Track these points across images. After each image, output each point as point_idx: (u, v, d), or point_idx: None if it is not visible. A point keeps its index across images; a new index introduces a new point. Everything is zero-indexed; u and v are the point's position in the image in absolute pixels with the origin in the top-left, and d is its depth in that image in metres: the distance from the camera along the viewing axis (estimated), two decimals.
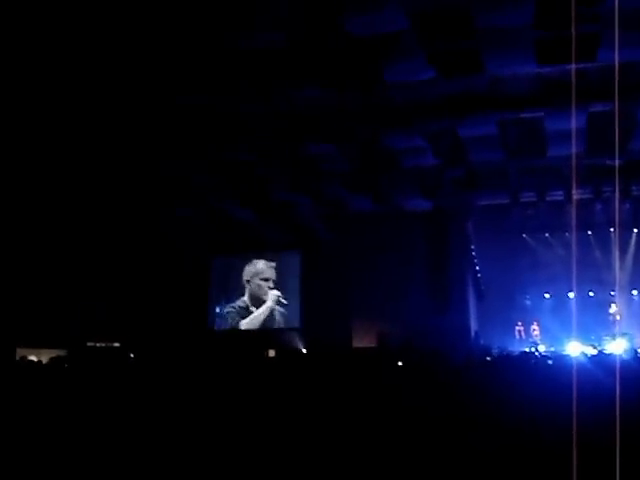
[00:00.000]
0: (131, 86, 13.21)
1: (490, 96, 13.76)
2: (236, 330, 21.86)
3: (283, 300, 21.53)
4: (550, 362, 11.77)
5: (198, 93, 13.61)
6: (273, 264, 22.01)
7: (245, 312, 21.98)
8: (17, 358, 13.52)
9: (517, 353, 15.91)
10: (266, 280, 21.99)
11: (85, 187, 16.87)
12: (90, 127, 14.52)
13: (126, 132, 14.96)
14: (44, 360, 11.70)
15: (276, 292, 21.75)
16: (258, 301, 21.96)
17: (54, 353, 13.50)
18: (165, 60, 12.27)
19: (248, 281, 22.19)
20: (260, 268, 22.13)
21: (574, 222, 19.75)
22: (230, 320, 22.07)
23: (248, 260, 22.19)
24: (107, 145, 15.36)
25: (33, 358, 12.87)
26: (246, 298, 22.12)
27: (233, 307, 22.16)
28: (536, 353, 17.41)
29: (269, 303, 21.78)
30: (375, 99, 13.97)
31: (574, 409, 5.06)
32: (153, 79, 12.98)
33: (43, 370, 9.71)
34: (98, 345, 16.67)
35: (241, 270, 22.25)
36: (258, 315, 21.81)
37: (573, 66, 10.70)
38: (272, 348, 18.31)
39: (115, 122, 14.47)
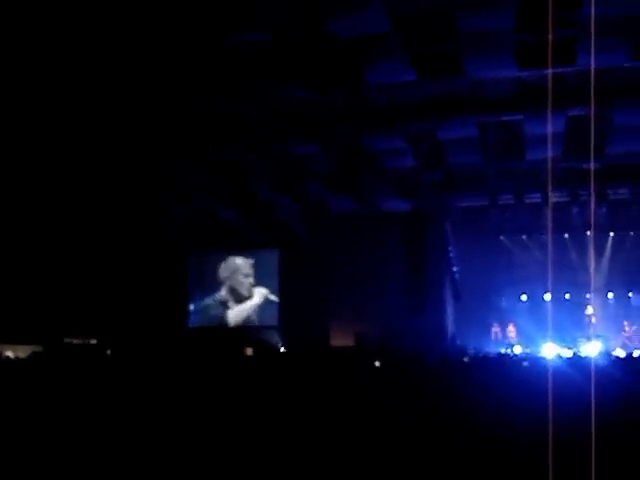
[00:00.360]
0: (116, 83, 13.19)
1: (470, 99, 13.85)
2: (213, 328, 21.83)
3: (272, 297, 21.53)
4: (525, 364, 11.88)
5: (182, 93, 13.60)
6: (251, 261, 22.01)
7: (223, 307, 21.98)
8: None
9: (493, 354, 16.05)
10: (247, 276, 21.99)
11: (63, 185, 16.79)
12: (74, 125, 14.47)
13: (111, 130, 14.92)
14: (21, 356, 11.66)
15: (263, 289, 21.75)
16: (240, 297, 21.95)
17: (30, 349, 13.43)
18: (149, 58, 12.26)
19: (227, 277, 22.17)
20: (239, 264, 22.11)
21: (551, 224, 19.92)
22: (210, 313, 22.07)
23: (225, 258, 22.17)
24: (89, 143, 15.31)
25: (9, 354, 12.82)
26: (224, 293, 22.10)
27: (212, 300, 22.14)
28: (512, 355, 17.57)
29: (256, 299, 21.77)
30: (357, 100, 14.03)
31: (549, 411, 5.13)
32: (138, 77, 12.98)
33: (21, 366, 9.68)
34: (75, 342, 16.59)
35: (218, 267, 22.25)
36: (243, 310, 21.80)
37: (552, 70, 10.80)
38: (250, 346, 18.32)
39: (101, 121, 14.43)
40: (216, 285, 22.18)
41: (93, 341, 17.42)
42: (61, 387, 7.26)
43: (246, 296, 21.93)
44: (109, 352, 14.44)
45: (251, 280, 21.94)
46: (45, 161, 15.77)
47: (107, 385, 7.59)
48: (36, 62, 12.19)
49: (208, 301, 22.19)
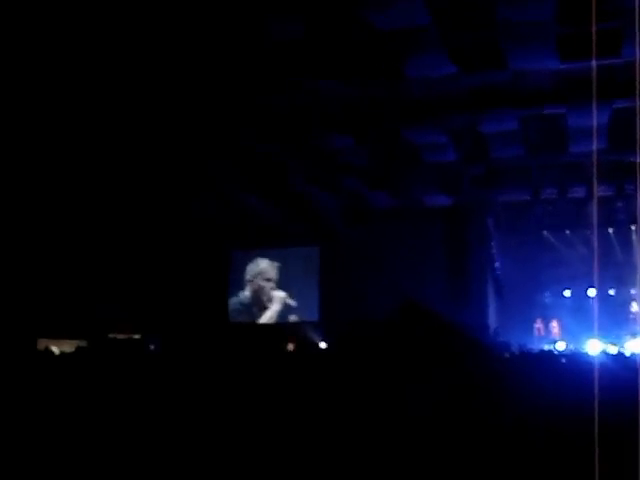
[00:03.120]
0: (150, 79, 13.28)
1: (512, 92, 13.71)
2: (254, 323, 21.93)
3: (290, 301, 21.55)
4: (563, 360, 11.71)
5: (219, 87, 13.65)
6: (277, 264, 22.02)
7: (247, 310, 22.10)
8: (40, 348, 13.63)
9: (535, 350, 15.87)
10: (268, 280, 22.02)
11: (109, 179, 16.97)
12: (112, 118, 14.61)
13: (146, 125, 15.04)
14: (66, 351, 11.81)
15: (281, 293, 21.78)
16: (260, 302, 22.03)
17: (75, 344, 13.59)
18: (184, 52, 12.32)
19: (250, 281, 22.28)
20: (263, 268, 22.16)
21: (595, 219, 19.64)
22: (244, 311, 22.20)
23: (268, 254, 22.23)
24: (130, 138, 15.45)
25: (54, 349, 12.98)
26: (247, 293, 22.21)
27: (239, 302, 22.26)
28: (555, 351, 17.37)
29: (275, 306, 21.82)
30: (396, 94, 13.97)
31: (595, 408, 5.05)
32: (173, 71, 13.05)
33: (66, 360, 9.79)
34: (119, 337, 16.75)
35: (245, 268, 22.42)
36: (269, 318, 21.88)
37: (595, 62, 10.64)
38: (290, 342, 18.35)
39: (135, 115, 14.55)
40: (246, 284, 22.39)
41: (136, 336, 17.56)
42: (106, 381, 7.33)
43: (265, 300, 21.98)
44: (152, 347, 14.56)
45: (272, 284, 21.95)
46: (88, 155, 15.96)
47: (150, 380, 7.64)
48: (64, 59, 12.32)
49: (235, 302, 22.31)
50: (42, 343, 14.57)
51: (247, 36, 11.74)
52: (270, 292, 21.99)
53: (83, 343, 13.83)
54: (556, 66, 12.56)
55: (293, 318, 21.66)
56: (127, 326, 17.96)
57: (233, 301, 22.38)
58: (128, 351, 12.61)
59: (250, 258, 22.50)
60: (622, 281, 20.52)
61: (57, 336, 15.99)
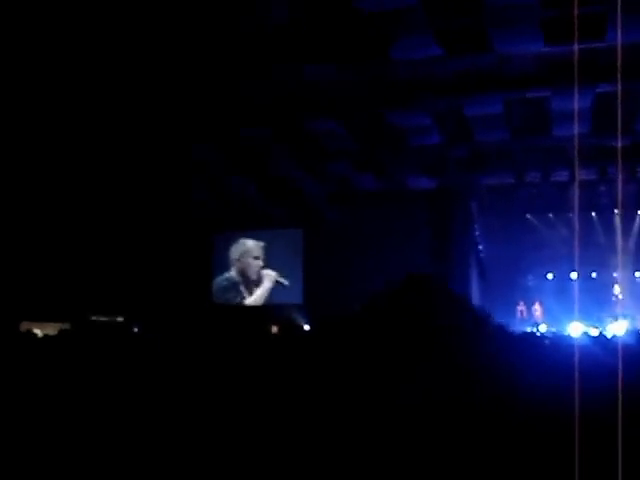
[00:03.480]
0: (135, 68, 13.22)
1: (496, 75, 13.72)
2: (238, 305, 21.95)
3: (281, 279, 21.57)
4: (549, 342, 11.80)
5: (202, 73, 13.59)
6: (262, 243, 22.02)
7: (235, 287, 22.09)
8: (22, 331, 13.59)
9: (517, 333, 15.95)
10: (256, 258, 22.02)
11: (90, 165, 16.89)
12: (102, 110, 14.56)
13: (136, 114, 14.98)
14: (49, 333, 11.77)
15: (271, 272, 21.79)
16: (248, 280, 22.04)
17: (57, 327, 13.55)
18: (169, 41, 12.26)
19: (236, 259, 22.27)
20: (249, 246, 22.15)
21: (578, 203, 19.74)
22: (228, 292, 22.20)
23: (252, 236, 22.21)
24: (112, 124, 15.38)
25: (37, 331, 12.94)
26: (234, 273, 22.21)
27: (225, 280, 22.25)
28: (537, 333, 17.48)
29: (267, 284, 21.83)
30: (382, 76, 13.95)
31: (575, 390, 5.10)
32: (155, 58, 12.98)
33: (49, 343, 9.77)
34: (102, 319, 16.74)
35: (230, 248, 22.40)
36: (259, 296, 21.89)
37: (579, 46, 10.67)
38: (274, 324, 18.37)
39: (125, 105, 14.50)
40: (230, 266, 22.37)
41: (119, 319, 17.56)
42: (89, 364, 7.32)
43: (254, 279, 21.98)
44: (136, 329, 14.55)
45: (260, 262, 21.95)
46: (73, 144, 15.88)
47: (134, 362, 7.63)
48: (57, 52, 12.28)
49: (221, 280, 22.31)
50: (24, 326, 14.52)
51: (232, 21, 11.69)
52: (260, 270, 21.97)
53: (66, 326, 13.79)
54: (540, 49, 12.58)
55: (279, 299, 21.69)
56: (110, 309, 17.94)
57: (219, 280, 22.37)
58: (111, 333, 12.59)
59: (234, 240, 22.48)
60: (604, 264, 20.66)
61: (40, 319, 15.94)
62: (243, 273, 22.21)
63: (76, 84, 13.57)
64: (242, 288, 22.13)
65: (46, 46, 12.21)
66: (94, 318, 16.48)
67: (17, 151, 15.69)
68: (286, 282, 21.46)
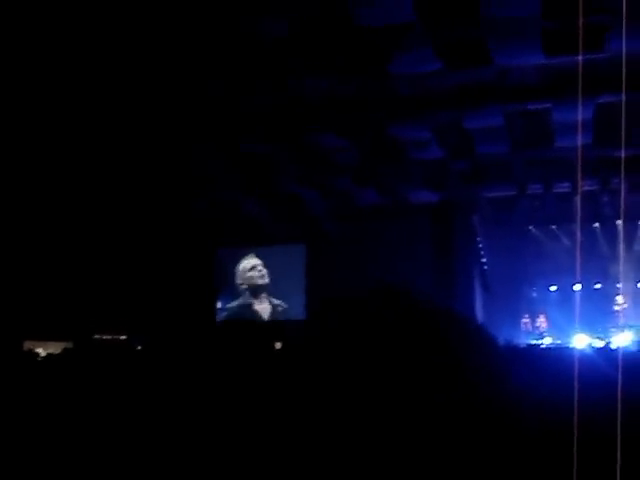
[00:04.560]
0: (134, 79, 13.22)
1: (497, 87, 13.72)
2: (242, 322, 21.85)
3: (275, 301, 21.53)
4: (553, 354, 11.75)
5: (202, 85, 13.59)
6: (264, 260, 21.98)
7: (247, 310, 22.00)
8: (24, 350, 13.53)
9: (522, 345, 15.88)
10: (262, 277, 21.97)
11: (90, 180, 16.88)
12: (100, 118, 14.54)
13: (131, 124, 14.96)
14: (52, 352, 11.70)
15: (270, 299, 21.79)
16: (257, 291, 22.02)
17: (60, 346, 13.49)
18: (170, 51, 12.26)
19: (241, 283, 22.23)
20: (251, 263, 22.09)
21: (580, 214, 19.70)
22: (236, 313, 22.10)
23: (252, 252, 22.16)
24: (114, 137, 15.37)
25: (40, 350, 12.88)
26: (247, 295, 22.16)
27: (237, 305, 22.16)
28: (542, 345, 17.41)
29: (266, 303, 21.80)
30: (381, 90, 13.95)
31: (575, 401, 5.05)
32: (156, 71, 12.98)
33: (52, 363, 9.69)
34: (105, 337, 16.66)
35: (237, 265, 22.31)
36: (263, 311, 21.83)
37: (581, 57, 10.66)
38: (278, 340, 18.30)
39: (120, 113, 14.47)
40: (236, 286, 22.28)
41: (122, 337, 17.49)
42: (93, 382, 7.27)
43: (256, 301, 21.94)
44: (139, 348, 14.50)
45: (266, 280, 21.90)
46: (74, 159, 15.87)
47: (137, 380, 7.57)
48: (58, 52, 12.26)
49: (234, 302, 22.23)
50: (27, 345, 14.47)
51: (231, 35, 11.69)
52: (261, 292, 21.95)
53: (69, 345, 13.72)
54: (541, 61, 12.58)
55: (282, 316, 21.61)
56: (112, 327, 17.89)
57: (232, 306, 22.31)
58: (115, 352, 12.50)
59: (236, 256, 22.42)
60: (608, 275, 20.59)
61: (42, 338, 15.88)
62: (253, 292, 22.15)
63: (74, 95, 13.56)
64: (255, 308, 22.08)
65: (47, 48, 12.20)
66: (97, 336, 16.42)
67: (15, 166, 15.67)
68: (284, 305, 21.41)
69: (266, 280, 21.92)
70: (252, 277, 22.11)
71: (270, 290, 21.92)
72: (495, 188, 19.32)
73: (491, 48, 12.08)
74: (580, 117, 13.45)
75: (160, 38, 11.75)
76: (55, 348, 13.24)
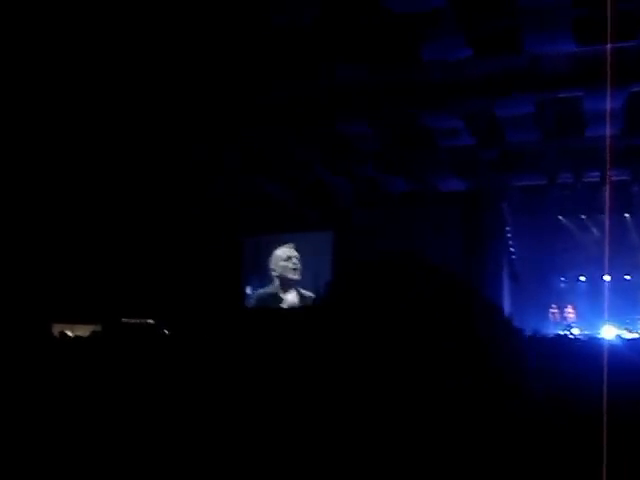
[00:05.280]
0: (161, 69, 13.28)
1: (528, 76, 13.62)
2: (270, 309, 21.91)
3: (303, 291, 21.48)
4: (581, 344, 11.69)
5: (233, 71, 13.61)
6: (293, 246, 21.93)
7: (274, 299, 22.02)
8: (54, 333, 13.72)
9: (550, 336, 15.81)
10: (294, 267, 21.93)
11: (120, 165, 17.02)
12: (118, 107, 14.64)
13: (157, 112, 15.04)
14: (80, 335, 11.86)
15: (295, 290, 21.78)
16: (287, 284, 21.99)
17: (89, 329, 13.66)
18: (195, 39, 12.30)
19: (274, 269, 22.22)
20: (287, 253, 22.07)
21: (610, 204, 19.51)
22: (265, 301, 22.15)
23: (279, 241, 22.17)
24: (141, 124, 15.46)
25: (69, 333, 13.06)
26: (276, 284, 22.16)
27: (265, 293, 22.17)
28: (570, 336, 17.30)
29: (294, 292, 21.75)
30: (412, 78, 13.91)
31: (604, 394, 5.02)
32: (182, 60, 13.04)
33: (82, 345, 9.82)
34: (133, 321, 16.84)
35: (271, 251, 22.28)
36: (291, 300, 21.82)
37: (612, 45, 10.54)
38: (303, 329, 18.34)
39: (145, 102, 14.56)
40: (269, 270, 22.27)
41: (150, 321, 17.65)
42: (119, 366, 7.35)
43: (291, 281, 21.89)
44: (166, 332, 14.61)
45: (298, 267, 21.86)
46: (98, 142, 16.00)
47: (164, 365, 7.64)
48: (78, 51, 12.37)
49: (262, 290, 22.24)
50: (57, 328, 14.66)
51: (262, 21, 11.70)
52: (294, 272, 21.92)
53: (97, 328, 13.89)
54: (572, 49, 12.46)
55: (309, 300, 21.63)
56: (140, 311, 18.05)
57: (261, 293, 22.32)
58: (142, 335, 12.63)
59: (264, 244, 22.46)
60: (637, 266, 20.39)
61: (71, 320, 16.08)
62: (283, 283, 22.15)
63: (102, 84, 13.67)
64: (282, 296, 22.08)
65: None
66: (125, 320, 16.59)
67: (41, 154, 15.83)
68: (312, 295, 21.37)
69: (297, 276, 21.87)
70: (286, 267, 22.11)
71: (299, 281, 21.94)
72: (525, 177, 19.18)
73: (522, 36, 11.99)
74: (610, 106, 13.31)
75: (189, 25, 11.79)
76: (84, 331, 13.42)
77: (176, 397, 6.20)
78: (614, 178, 17.79)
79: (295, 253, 22.01)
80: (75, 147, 15.87)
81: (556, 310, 21.33)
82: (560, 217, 21.49)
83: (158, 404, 5.97)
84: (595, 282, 21.06)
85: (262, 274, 22.49)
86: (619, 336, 15.65)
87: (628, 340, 13.52)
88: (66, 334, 13.35)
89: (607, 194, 18.62)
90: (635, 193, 19.30)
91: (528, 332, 16.83)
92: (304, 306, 21.40)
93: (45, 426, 5.30)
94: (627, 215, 20.42)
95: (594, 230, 20.97)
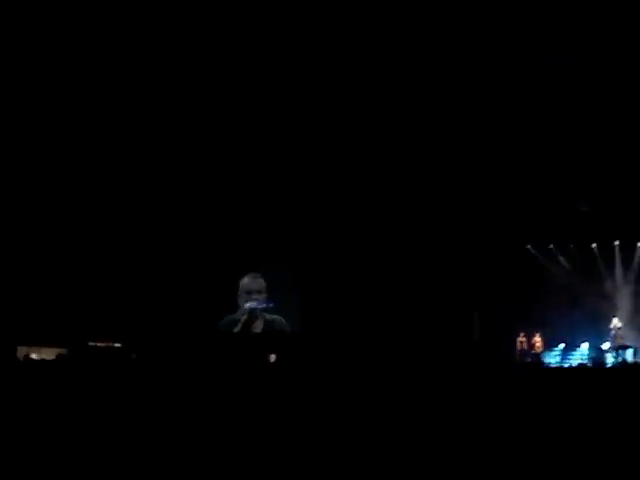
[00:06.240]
0: None
1: None
2: (239, 333, 21.70)
3: (268, 316, 21.26)
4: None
5: None
6: (258, 275, 21.71)
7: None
8: (19, 356, 13.52)
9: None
10: (259, 292, 21.68)
11: (87, 185, 16.95)
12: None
13: None
14: (46, 358, 11.70)
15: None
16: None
17: (55, 352, 13.47)
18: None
19: (240, 296, 22.00)
20: (246, 282, 21.84)
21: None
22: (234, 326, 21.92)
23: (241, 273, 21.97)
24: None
25: (34, 356, 12.87)
26: (240, 313, 21.92)
27: (232, 318, 21.92)
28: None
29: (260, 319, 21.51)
30: None
31: None
32: None
33: (46, 368, 9.66)
34: (99, 345, 16.64)
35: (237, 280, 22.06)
36: (256, 326, 21.58)
37: None
38: (272, 353, 18.22)
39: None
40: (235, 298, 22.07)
41: (117, 345, 17.45)
42: (85, 390, 7.25)
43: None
44: (134, 356, 14.44)
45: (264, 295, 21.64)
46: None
47: (131, 390, 7.55)
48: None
49: (232, 316, 21.98)
50: (22, 351, 14.44)
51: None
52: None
53: (63, 351, 13.71)
54: None
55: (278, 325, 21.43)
56: (108, 334, 17.85)
57: (227, 320, 22.05)
58: (109, 359, 12.49)
59: (240, 270, 22.23)
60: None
61: (37, 343, 15.84)
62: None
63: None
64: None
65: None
66: (91, 344, 16.39)
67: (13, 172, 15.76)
68: (275, 317, 21.16)
69: (262, 304, 21.56)
70: (251, 292, 21.86)
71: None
72: None
73: None
74: None
75: None
76: (49, 354, 13.23)
77: (140, 420, 6.11)
78: (583, 209, 18.04)
79: (259, 281, 21.77)
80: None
81: (523, 338, 21.28)
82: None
83: (123, 426, 5.88)
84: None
85: (232, 300, 22.27)
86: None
87: None
88: (30, 357, 13.16)
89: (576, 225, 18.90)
90: (602, 224, 19.55)
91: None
92: (268, 331, 21.30)
93: (6, 448, 5.19)
94: (594, 245, 20.73)
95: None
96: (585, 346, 19.23)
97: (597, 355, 18.94)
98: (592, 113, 15.64)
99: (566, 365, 18.71)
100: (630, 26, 12.91)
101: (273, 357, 17.94)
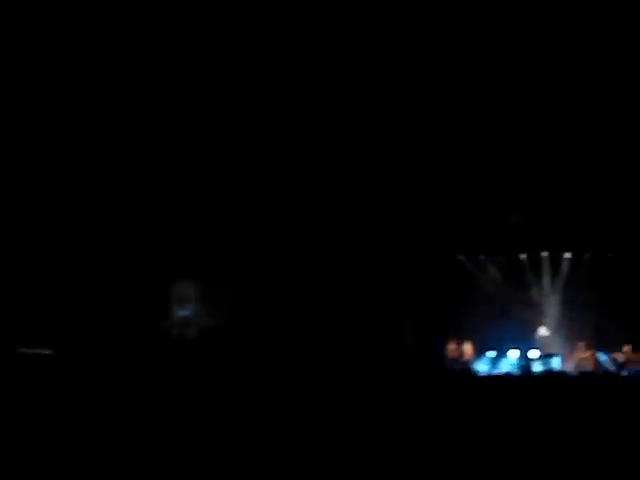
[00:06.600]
0: None
1: None
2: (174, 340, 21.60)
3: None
4: None
5: None
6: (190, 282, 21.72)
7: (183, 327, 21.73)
8: None
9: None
10: (182, 299, 21.73)
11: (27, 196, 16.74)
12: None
13: None
14: None
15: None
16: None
17: None
18: None
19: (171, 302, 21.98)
20: (177, 289, 21.83)
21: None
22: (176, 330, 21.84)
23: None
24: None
25: None
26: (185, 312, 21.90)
27: (173, 322, 21.86)
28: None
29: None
30: None
31: None
32: None
33: None
34: (29, 351, 16.37)
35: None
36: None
37: None
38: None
39: None
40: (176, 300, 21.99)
41: (46, 351, 17.19)
42: (13, 397, 7.19)
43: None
44: (65, 364, 14.25)
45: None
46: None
47: (58, 396, 7.51)
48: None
49: (171, 319, 21.91)
50: None
51: None
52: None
53: None
54: None
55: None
56: (36, 341, 17.58)
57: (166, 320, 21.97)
58: (38, 367, 12.31)
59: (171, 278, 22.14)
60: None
61: None
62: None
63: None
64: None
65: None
66: (20, 350, 16.12)
67: None
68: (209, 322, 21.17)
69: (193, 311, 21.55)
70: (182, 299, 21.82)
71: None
72: None
73: None
74: None
75: None
76: None
77: (69, 428, 6.10)
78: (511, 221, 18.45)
79: (190, 288, 21.76)
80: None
81: (455, 346, 21.58)
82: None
83: (53, 435, 5.86)
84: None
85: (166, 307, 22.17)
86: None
87: None
88: None
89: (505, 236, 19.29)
90: (530, 235, 20.01)
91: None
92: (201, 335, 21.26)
93: None
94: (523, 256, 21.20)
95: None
96: (514, 354, 19.57)
97: (525, 363, 19.34)
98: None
99: (495, 372, 19.04)
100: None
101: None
